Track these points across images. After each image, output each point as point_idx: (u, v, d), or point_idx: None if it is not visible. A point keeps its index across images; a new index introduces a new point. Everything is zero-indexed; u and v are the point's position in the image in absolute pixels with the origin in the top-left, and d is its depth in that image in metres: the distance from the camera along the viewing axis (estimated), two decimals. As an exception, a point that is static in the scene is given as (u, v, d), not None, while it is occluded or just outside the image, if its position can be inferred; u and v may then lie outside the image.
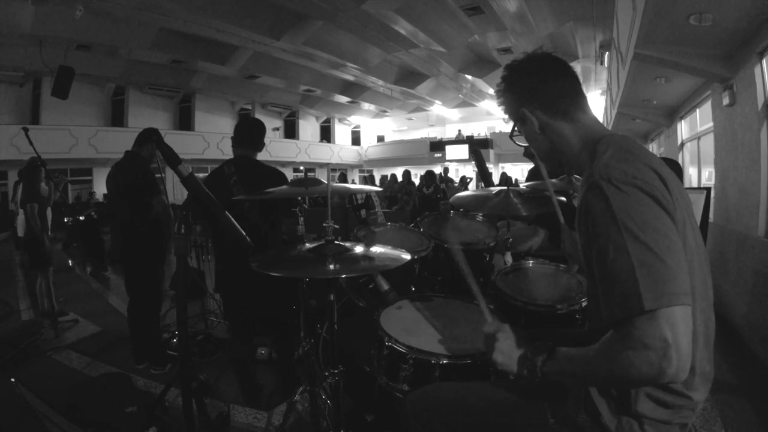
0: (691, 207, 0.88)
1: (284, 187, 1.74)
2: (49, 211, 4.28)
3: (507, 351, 0.94)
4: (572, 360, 0.84)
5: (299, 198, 1.66)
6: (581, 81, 1.02)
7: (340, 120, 20.82)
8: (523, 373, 0.90)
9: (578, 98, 0.98)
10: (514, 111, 1.02)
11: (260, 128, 2.36)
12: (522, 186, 2.20)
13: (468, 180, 10.94)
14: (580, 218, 0.84)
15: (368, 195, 3.80)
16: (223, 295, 2.41)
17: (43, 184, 3.89)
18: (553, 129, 0.98)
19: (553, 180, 2.12)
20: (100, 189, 12.16)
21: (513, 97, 1.01)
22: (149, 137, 2.69)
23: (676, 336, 0.69)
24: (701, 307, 0.83)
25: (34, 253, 3.76)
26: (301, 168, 18.44)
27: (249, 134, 2.31)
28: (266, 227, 2.12)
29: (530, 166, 3.27)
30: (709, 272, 0.88)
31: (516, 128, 1.05)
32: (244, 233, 1.39)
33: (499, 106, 1.07)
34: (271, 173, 2.25)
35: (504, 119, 1.21)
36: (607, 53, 8.75)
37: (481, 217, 2.32)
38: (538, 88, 0.98)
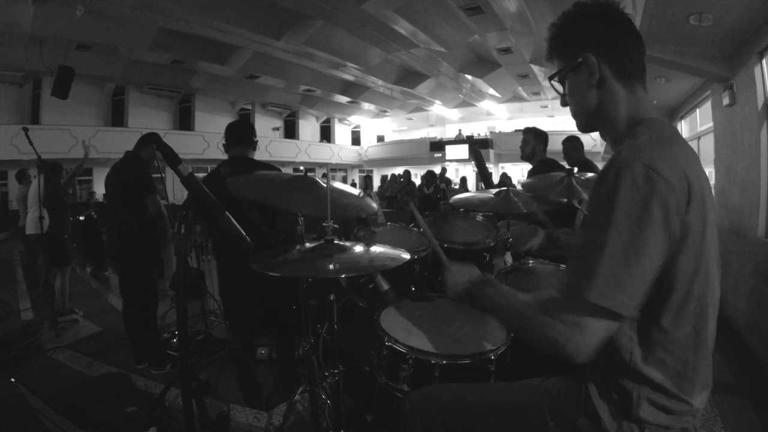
0: (713, 213, 0.85)
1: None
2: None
3: (457, 275, 1.07)
4: (504, 295, 0.92)
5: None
6: None
7: (340, 120, 20.80)
8: (462, 291, 1.03)
9: (643, 70, 0.92)
10: (572, 53, 0.92)
11: (246, 125, 2.38)
12: (521, 185, 2.21)
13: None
14: (594, 185, 0.84)
15: (368, 195, 3.80)
16: (225, 297, 2.40)
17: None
18: (610, 89, 0.91)
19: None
20: (100, 189, 12.15)
21: (578, 38, 0.92)
22: (150, 140, 2.72)
23: (591, 330, 0.75)
24: (710, 325, 0.83)
25: (57, 250, 3.81)
26: (301, 168, 18.42)
27: (237, 134, 2.31)
28: (267, 225, 2.12)
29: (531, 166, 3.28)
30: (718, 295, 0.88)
31: (559, 73, 0.96)
32: (244, 233, 1.39)
33: (549, 41, 0.96)
34: (266, 169, 2.24)
35: (545, 58, 1.02)
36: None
37: (481, 217, 2.32)
38: (613, 39, 0.90)
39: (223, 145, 2.32)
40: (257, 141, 2.36)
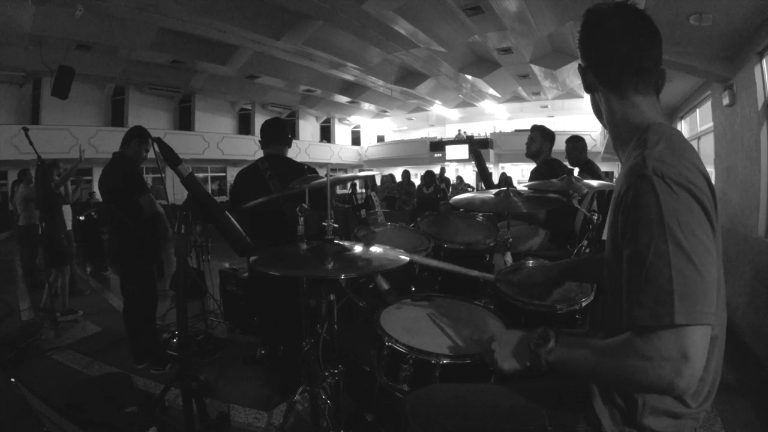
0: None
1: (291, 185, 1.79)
2: (68, 209, 4.37)
3: (507, 353, 0.92)
4: (578, 351, 0.82)
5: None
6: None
7: (340, 120, 20.79)
8: (526, 365, 0.87)
9: (636, 75, 0.89)
10: (581, 58, 0.97)
11: (283, 125, 2.54)
12: (522, 187, 2.20)
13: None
14: (620, 204, 0.80)
15: (368, 195, 3.82)
16: (253, 299, 2.47)
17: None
18: (601, 95, 0.95)
19: (553, 180, 2.12)
20: (100, 189, 12.15)
21: (579, 44, 0.95)
22: (134, 135, 2.75)
23: (695, 353, 0.68)
24: (720, 322, 0.82)
25: (53, 251, 3.82)
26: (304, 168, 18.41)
27: (275, 132, 2.46)
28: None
29: (531, 166, 3.28)
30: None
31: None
32: (243, 233, 1.39)
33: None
34: (302, 168, 2.41)
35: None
36: (607, 53, 8.71)
37: (481, 217, 2.32)
38: (594, 46, 0.93)
39: (259, 141, 2.47)
40: (292, 139, 2.52)
